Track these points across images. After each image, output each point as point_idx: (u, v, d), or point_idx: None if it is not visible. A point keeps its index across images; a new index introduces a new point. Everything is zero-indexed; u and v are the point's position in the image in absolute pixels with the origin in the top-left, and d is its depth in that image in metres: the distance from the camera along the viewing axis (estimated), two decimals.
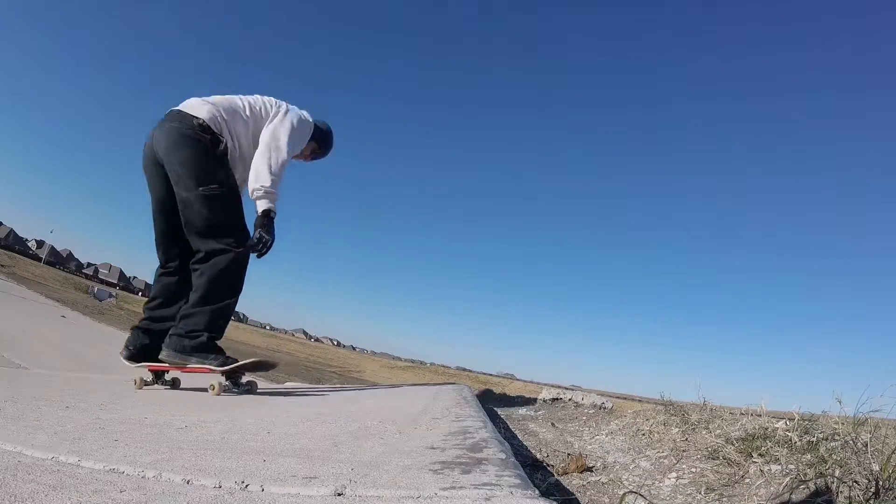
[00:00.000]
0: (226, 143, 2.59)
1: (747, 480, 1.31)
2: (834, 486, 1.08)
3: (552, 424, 2.77)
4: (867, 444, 1.23)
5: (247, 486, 0.85)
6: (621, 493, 1.38)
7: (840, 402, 1.54)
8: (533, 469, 1.61)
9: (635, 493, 1.34)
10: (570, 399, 4.05)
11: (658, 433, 1.95)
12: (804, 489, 1.14)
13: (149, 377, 2.69)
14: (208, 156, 2.52)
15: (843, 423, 1.44)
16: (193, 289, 2.53)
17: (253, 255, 2.56)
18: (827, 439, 1.38)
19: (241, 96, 2.77)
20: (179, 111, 2.58)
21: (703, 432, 1.77)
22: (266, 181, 2.51)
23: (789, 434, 1.44)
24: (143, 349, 2.70)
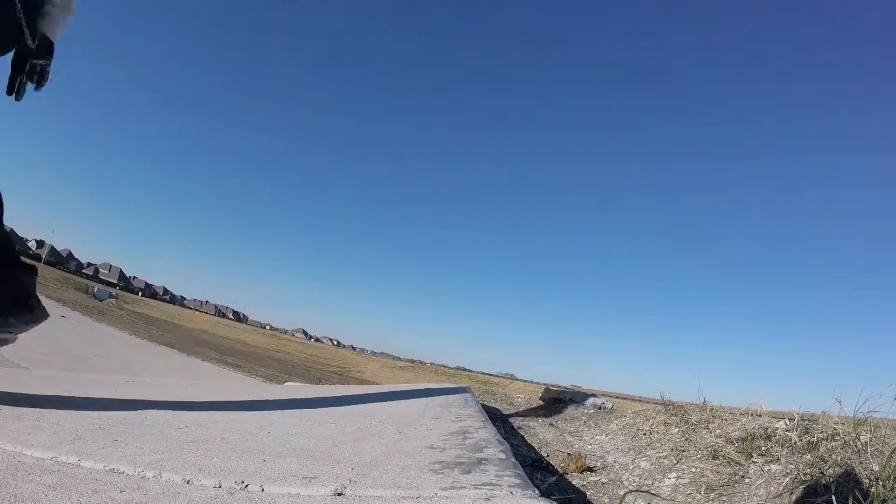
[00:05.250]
0: None
1: (747, 480, 1.31)
2: (834, 487, 1.08)
3: (552, 424, 2.77)
4: (867, 444, 1.24)
5: (247, 486, 0.85)
6: (621, 493, 1.38)
7: (840, 402, 1.54)
8: (533, 469, 1.61)
9: (642, 490, 1.34)
10: (570, 399, 4.05)
11: (658, 433, 1.95)
12: (804, 489, 1.14)
13: None
14: None
15: (843, 423, 1.44)
16: None
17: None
18: (827, 439, 1.38)
19: None
20: None
21: (703, 432, 1.77)
22: None
23: (789, 434, 1.44)
24: None
